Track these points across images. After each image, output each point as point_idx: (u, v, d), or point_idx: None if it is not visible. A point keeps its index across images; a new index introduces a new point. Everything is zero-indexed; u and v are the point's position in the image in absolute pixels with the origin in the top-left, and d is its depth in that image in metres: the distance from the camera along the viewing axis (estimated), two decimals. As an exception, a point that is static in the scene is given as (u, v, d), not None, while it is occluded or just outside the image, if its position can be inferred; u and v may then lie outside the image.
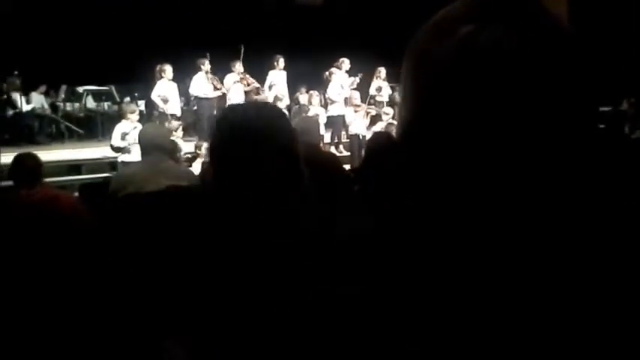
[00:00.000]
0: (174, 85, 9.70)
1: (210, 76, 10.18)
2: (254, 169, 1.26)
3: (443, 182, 0.60)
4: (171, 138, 6.23)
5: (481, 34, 0.57)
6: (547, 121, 0.56)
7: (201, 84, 10.14)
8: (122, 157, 7.40)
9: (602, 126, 6.56)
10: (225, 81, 10.44)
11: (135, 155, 6.66)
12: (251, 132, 1.28)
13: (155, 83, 9.62)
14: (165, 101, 9.45)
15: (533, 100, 0.56)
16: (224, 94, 10.42)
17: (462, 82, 0.57)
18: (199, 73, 10.14)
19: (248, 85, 10.62)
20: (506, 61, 0.56)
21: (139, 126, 6.66)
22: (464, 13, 0.59)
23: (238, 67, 10.40)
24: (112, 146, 7.61)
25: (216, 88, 10.30)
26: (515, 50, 0.56)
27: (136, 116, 7.77)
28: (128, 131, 7.28)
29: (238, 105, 1.67)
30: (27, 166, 3.64)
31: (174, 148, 5.86)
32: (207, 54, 10.19)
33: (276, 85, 10.78)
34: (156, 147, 3.43)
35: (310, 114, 9.65)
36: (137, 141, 3.75)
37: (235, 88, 10.38)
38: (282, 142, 1.29)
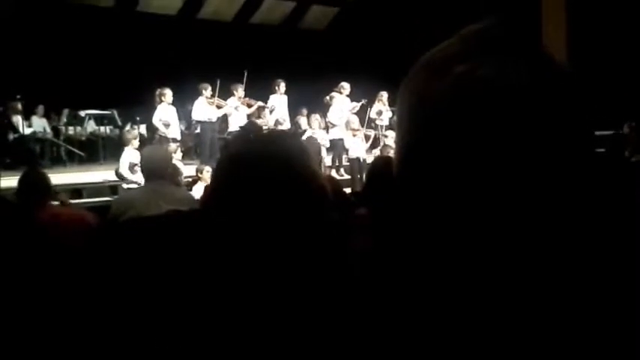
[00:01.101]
0: (174, 109, 9.77)
1: (211, 100, 10.25)
2: (265, 197, 1.25)
3: (439, 221, 0.60)
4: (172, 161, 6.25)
5: (477, 72, 0.57)
6: (544, 156, 0.57)
7: (203, 108, 10.21)
8: (126, 185, 7.48)
9: (602, 149, 6.57)
10: (227, 104, 10.52)
11: (139, 182, 6.73)
12: (266, 161, 1.27)
13: (155, 107, 9.68)
14: (166, 125, 9.50)
15: (529, 136, 0.56)
16: (226, 118, 10.49)
17: (460, 121, 0.57)
18: (200, 97, 10.22)
19: (250, 106, 10.68)
20: (503, 99, 0.56)
21: None
22: (459, 50, 0.60)
23: (240, 91, 10.47)
24: (118, 173, 7.67)
25: (219, 107, 10.37)
26: (510, 87, 0.57)
27: (137, 142, 7.88)
28: (136, 162, 7.30)
29: (255, 135, 1.66)
30: (36, 184, 3.60)
31: (175, 172, 5.87)
32: (218, 80, 10.28)
33: (277, 109, 10.85)
34: (158, 172, 3.43)
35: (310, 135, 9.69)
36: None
37: (237, 112, 10.44)
38: (298, 171, 1.28)
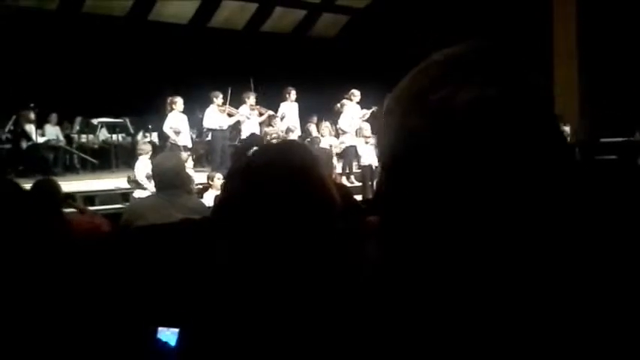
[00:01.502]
0: (185, 117, 9.83)
1: (222, 107, 10.31)
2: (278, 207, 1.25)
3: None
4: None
5: (456, 97, 0.59)
6: (523, 173, 0.59)
7: (215, 116, 10.26)
8: (137, 193, 7.56)
9: (614, 156, 6.54)
10: (238, 112, 10.57)
11: (148, 192, 6.87)
12: (278, 171, 1.28)
13: (166, 115, 9.74)
14: (177, 133, 9.56)
15: (508, 153, 0.58)
16: (236, 125, 10.54)
17: (441, 145, 0.59)
18: (212, 105, 10.27)
19: (261, 114, 10.72)
20: (483, 120, 0.58)
21: None
22: (438, 76, 0.62)
23: (252, 99, 10.52)
24: (132, 180, 7.89)
25: (231, 115, 10.43)
26: (490, 109, 0.59)
27: (151, 153, 8.12)
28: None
29: (268, 145, 1.68)
30: (45, 192, 3.64)
31: (187, 180, 5.89)
32: (229, 88, 10.34)
33: (287, 117, 10.88)
34: (169, 181, 3.42)
35: (322, 145, 9.70)
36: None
37: (249, 120, 10.49)
38: (309, 181, 1.29)
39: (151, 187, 7.47)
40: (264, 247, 1.22)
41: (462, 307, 0.61)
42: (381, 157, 0.69)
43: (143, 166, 7.86)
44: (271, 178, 1.26)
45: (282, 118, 10.86)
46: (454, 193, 0.60)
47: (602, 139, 8.83)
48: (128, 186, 8.20)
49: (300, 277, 1.17)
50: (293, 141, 7.66)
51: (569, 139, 9.10)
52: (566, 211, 0.61)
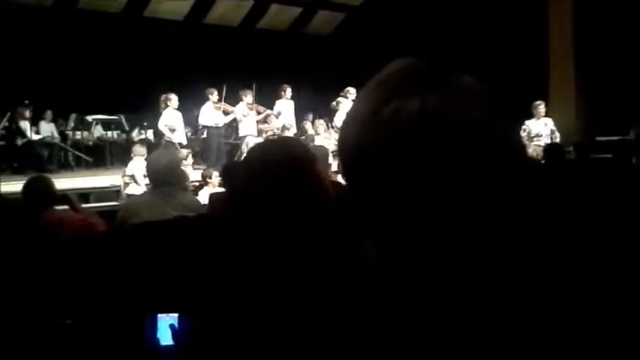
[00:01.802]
0: (180, 114, 9.81)
1: (218, 105, 10.29)
2: (279, 202, 1.25)
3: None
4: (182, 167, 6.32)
5: (402, 110, 0.64)
6: (469, 177, 0.63)
7: (210, 113, 10.24)
8: (130, 189, 7.60)
9: (609, 155, 6.56)
10: (235, 110, 10.56)
11: (142, 188, 6.89)
12: (277, 167, 1.28)
13: (161, 113, 9.72)
14: (172, 130, 9.54)
15: (453, 158, 0.62)
16: (232, 123, 10.53)
17: (393, 156, 0.63)
18: (207, 102, 10.25)
19: (259, 113, 10.72)
20: (426, 130, 0.63)
21: None
22: (388, 91, 0.66)
23: (249, 97, 10.51)
24: (129, 175, 7.99)
25: (226, 113, 10.41)
26: (435, 118, 0.63)
27: (145, 154, 8.23)
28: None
29: (265, 142, 1.68)
30: (39, 189, 3.63)
31: (182, 177, 5.89)
32: (224, 85, 10.32)
33: (283, 114, 10.88)
34: (164, 178, 3.41)
35: (317, 143, 9.69)
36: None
37: (245, 117, 10.49)
38: (307, 176, 1.29)
39: (145, 183, 7.53)
40: (263, 242, 1.22)
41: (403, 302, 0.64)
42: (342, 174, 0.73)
43: (138, 166, 7.99)
44: (269, 174, 1.26)
45: (277, 116, 10.86)
46: (407, 199, 0.63)
47: (598, 138, 8.86)
48: (123, 183, 8.24)
49: (297, 270, 1.17)
50: (290, 137, 7.66)
51: (555, 132, 9.13)
52: (517, 210, 0.64)
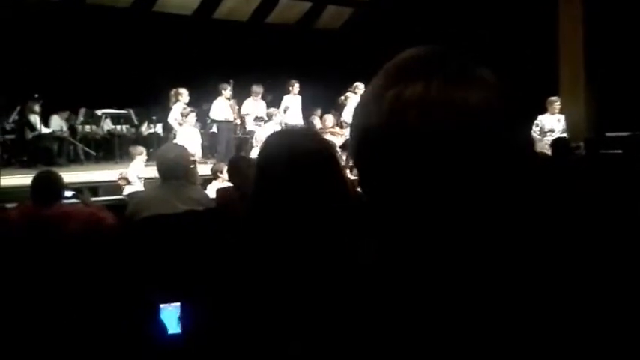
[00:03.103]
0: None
1: (230, 102, 10.31)
2: (297, 193, 1.26)
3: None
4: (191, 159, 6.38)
5: (404, 93, 0.64)
6: (468, 166, 0.62)
7: (222, 108, 10.26)
8: (127, 190, 7.78)
9: (619, 151, 6.51)
10: (244, 105, 10.62)
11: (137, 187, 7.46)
12: (294, 157, 1.28)
13: (171, 107, 9.74)
14: (181, 125, 9.56)
15: (452, 145, 0.62)
16: (242, 118, 10.59)
17: (394, 139, 0.64)
18: (219, 97, 10.27)
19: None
20: (425, 112, 0.63)
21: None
22: (392, 75, 0.67)
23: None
24: (124, 177, 8.26)
25: (241, 118, 10.53)
26: (432, 102, 0.63)
27: (144, 157, 8.58)
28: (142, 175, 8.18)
29: (281, 131, 1.70)
30: (46, 184, 3.65)
31: (190, 171, 5.91)
32: (231, 80, 10.32)
33: (290, 109, 10.88)
34: (173, 172, 3.42)
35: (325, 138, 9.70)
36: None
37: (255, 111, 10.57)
38: (324, 166, 1.30)
39: (139, 186, 7.73)
40: (283, 236, 1.23)
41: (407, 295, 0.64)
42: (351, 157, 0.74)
43: (134, 168, 8.37)
44: (293, 161, 1.26)
45: (285, 111, 10.86)
46: (409, 184, 0.63)
47: (608, 134, 8.80)
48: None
49: (313, 265, 1.17)
50: (308, 128, 7.60)
51: (565, 127, 9.07)
52: (518, 205, 0.64)
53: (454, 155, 0.62)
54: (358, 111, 0.69)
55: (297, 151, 1.30)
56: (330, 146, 1.36)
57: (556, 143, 6.65)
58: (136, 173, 8.30)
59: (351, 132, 0.70)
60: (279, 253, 1.21)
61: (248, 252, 1.25)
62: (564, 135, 8.76)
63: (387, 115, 0.64)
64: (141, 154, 8.67)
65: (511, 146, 0.64)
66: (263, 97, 10.92)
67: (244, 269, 1.22)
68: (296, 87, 10.95)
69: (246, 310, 1.17)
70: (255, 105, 10.77)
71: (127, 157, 11.21)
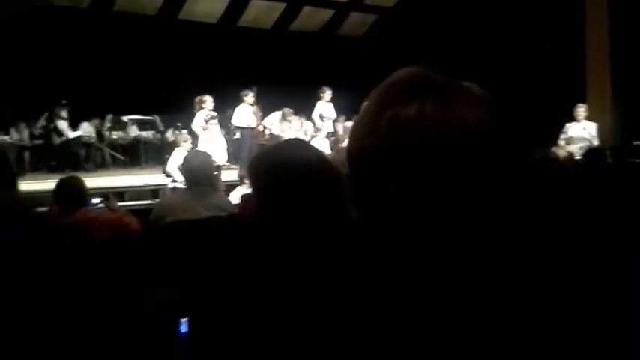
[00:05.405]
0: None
1: (254, 109, 10.36)
2: (298, 204, 1.27)
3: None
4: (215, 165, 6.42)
5: (400, 114, 0.67)
6: (462, 176, 0.64)
7: (245, 114, 10.32)
8: (171, 184, 7.72)
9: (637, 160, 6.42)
10: (270, 117, 10.69)
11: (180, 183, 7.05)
12: (294, 169, 1.30)
13: (195, 114, 9.82)
14: (205, 130, 9.62)
15: (452, 164, 0.64)
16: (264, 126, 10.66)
17: (390, 158, 0.66)
18: (242, 104, 10.32)
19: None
20: (425, 133, 0.65)
21: None
22: (391, 95, 0.71)
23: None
24: (166, 172, 8.01)
25: (264, 127, 10.56)
26: (428, 122, 0.65)
27: (189, 145, 8.16)
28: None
29: (281, 143, 1.70)
30: (69, 190, 3.70)
31: (214, 177, 5.96)
32: (254, 87, 10.37)
33: (326, 117, 10.92)
34: (198, 178, 3.46)
35: (345, 144, 9.69)
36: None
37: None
38: (322, 178, 1.31)
39: (178, 176, 7.64)
40: (287, 242, 1.24)
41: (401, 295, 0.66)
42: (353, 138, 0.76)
43: (175, 159, 8.00)
44: (294, 171, 1.27)
45: (321, 118, 10.86)
46: (408, 201, 0.65)
47: (635, 142, 8.68)
48: (157, 182, 8.35)
49: (320, 269, 1.18)
50: (298, 139, 7.65)
51: (596, 137, 8.94)
52: (511, 213, 0.66)
53: (451, 171, 0.64)
54: (353, 133, 0.72)
55: (300, 171, 1.32)
56: (328, 162, 1.37)
57: (589, 152, 6.56)
58: (177, 163, 7.93)
59: (347, 153, 0.72)
60: (284, 260, 1.23)
61: (255, 258, 1.27)
62: (591, 142, 8.64)
63: (385, 137, 0.66)
64: (186, 142, 8.35)
65: (506, 160, 0.66)
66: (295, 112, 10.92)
67: (249, 275, 1.24)
68: (328, 94, 10.94)
69: (249, 313, 1.18)
70: (288, 125, 10.75)
71: (152, 162, 11.34)
